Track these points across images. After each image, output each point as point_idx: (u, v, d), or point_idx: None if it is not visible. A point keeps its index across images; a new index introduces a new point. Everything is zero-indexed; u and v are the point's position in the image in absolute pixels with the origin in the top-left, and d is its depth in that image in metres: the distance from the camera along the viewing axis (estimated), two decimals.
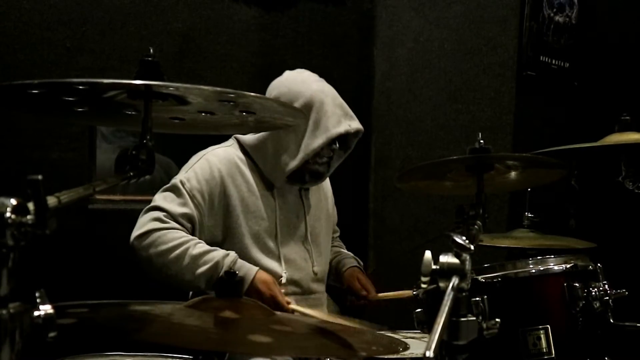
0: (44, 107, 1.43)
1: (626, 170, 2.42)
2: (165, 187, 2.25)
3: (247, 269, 2.17)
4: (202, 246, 2.17)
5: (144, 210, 2.21)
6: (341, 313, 2.50)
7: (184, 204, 2.20)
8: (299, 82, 2.34)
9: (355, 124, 2.35)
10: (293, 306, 2.16)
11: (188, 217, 2.20)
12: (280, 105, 1.47)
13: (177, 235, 2.15)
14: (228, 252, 2.18)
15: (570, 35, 3.86)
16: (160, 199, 2.21)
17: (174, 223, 2.17)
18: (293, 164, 2.28)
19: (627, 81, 3.81)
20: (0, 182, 2.44)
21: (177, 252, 2.12)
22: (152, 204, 2.21)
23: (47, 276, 2.37)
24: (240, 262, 2.18)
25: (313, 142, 2.26)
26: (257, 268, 2.20)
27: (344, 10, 3.32)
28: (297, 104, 2.23)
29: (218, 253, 2.16)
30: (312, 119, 2.25)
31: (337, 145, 2.33)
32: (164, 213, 2.17)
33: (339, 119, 2.29)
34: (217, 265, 2.13)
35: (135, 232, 2.16)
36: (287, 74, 2.42)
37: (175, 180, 2.25)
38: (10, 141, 2.62)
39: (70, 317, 1.26)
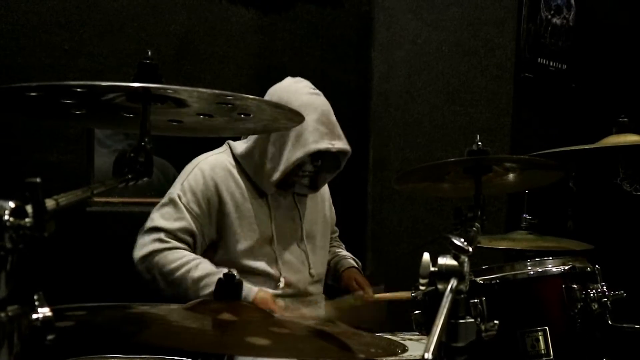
0: (42, 110, 1.42)
1: (624, 171, 2.43)
2: (161, 202, 2.27)
3: (245, 294, 2.14)
4: (203, 267, 2.17)
5: (144, 229, 2.22)
6: None
7: (182, 218, 2.22)
8: (291, 92, 2.33)
9: (339, 144, 2.31)
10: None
11: (188, 231, 2.22)
12: (278, 108, 1.47)
13: (178, 256, 2.17)
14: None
15: (568, 37, 3.87)
16: (158, 217, 2.23)
17: (175, 242, 2.19)
18: (276, 175, 2.28)
19: (625, 83, 3.82)
20: None
21: (179, 273, 2.15)
22: (151, 223, 2.22)
23: (46, 279, 2.36)
24: None
25: (293, 154, 2.25)
26: (255, 291, 2.19)
27: (341, 13, 3.32)
28: None
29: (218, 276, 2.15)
30: (294, 130, 2.22)
31: (320, 162, 2.32)
32: (164, 232, 2.19)
33: (321, 135, 2.26)
34: None
35: (138, 254, 2.18)
36: (286, 81, 2.40)
37: (172, 194, 2.26)
38: (8, 144, 2.62)
39: (69, 319, 1.26)
